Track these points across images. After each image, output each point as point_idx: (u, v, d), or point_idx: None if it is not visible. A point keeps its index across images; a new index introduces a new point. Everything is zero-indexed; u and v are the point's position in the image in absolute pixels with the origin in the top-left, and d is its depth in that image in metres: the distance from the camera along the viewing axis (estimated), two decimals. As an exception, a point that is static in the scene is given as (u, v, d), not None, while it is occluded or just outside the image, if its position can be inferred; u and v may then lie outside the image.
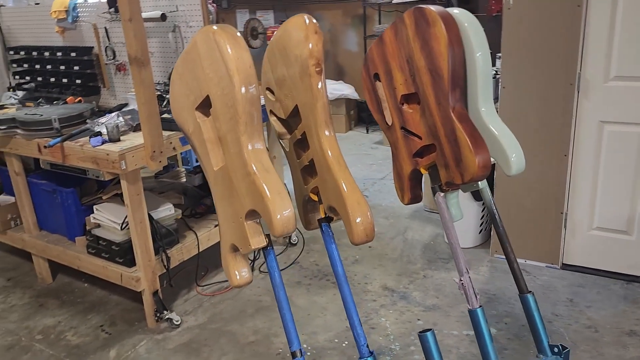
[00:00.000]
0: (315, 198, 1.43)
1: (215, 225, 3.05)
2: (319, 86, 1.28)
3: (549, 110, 2.74)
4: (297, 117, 1.42)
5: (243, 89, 1.17)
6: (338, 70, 6.77)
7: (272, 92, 1.52)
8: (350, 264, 3.21)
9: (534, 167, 2.83)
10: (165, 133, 2.59)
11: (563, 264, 2.98)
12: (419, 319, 2.66)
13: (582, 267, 2.94)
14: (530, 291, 1.62)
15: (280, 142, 1.55)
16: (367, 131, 6.31)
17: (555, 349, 1.57)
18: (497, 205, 3.05)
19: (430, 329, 1.42)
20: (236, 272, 1.37)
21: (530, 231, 2.97)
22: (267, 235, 1.33)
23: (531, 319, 1.59)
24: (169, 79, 2.94)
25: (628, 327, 2.48)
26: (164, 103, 2.89)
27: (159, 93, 2.78)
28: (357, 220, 1.24)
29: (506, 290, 2.82)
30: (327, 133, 1.30)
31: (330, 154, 1.29)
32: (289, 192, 1.24)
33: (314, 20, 1.33)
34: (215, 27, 1.22)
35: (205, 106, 1.32)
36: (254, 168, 1.20)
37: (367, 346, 1.36)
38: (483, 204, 3.22)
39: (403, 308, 2.76)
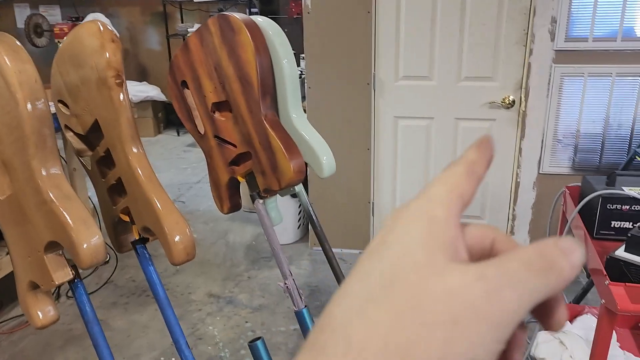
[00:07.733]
0: (126, 219, 1.32)
1: (7, 254, 2.67)
2: (121, 98, 1.17)
3: (351, 108, 2.94)
4: (99, 132, 1.29)
5: (29, 106, 1.02)
6: (140, 70, 6.42)
7: (65, 105, 1.36)
8: (171, 275, 3.08)
9: (342, 162, 2.98)
10: None
11: (373, 249, 3.23)
12: (246, 322, 2.66)
13: (390, 250, 3.21)
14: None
15: (80, 160, 1.39)
16: (178, 134, 6.11)
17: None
18: (313, 202, 3.17)
19: (260, 337, 1.41)
20: (38, 313, 1.20)
21: (344, 222, 3.16)
22: (74, 267, 1.19)
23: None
24: None
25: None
26: None
27: None
28: (177, 239, 1.18)
29: (326, 280, 2.96)
30: (134, 150, 1.20)
31: (140, 172, 1.19)
32: (97, 212, 1.11)
33: (110, 28, 1.21)
34: (-14, 35, 1.04)
35: (-19, 126, 1.12)
36: (51, 195, 1.06)
37: (197, 368, 1.30)
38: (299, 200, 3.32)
39: (230, 313, 2.73)
